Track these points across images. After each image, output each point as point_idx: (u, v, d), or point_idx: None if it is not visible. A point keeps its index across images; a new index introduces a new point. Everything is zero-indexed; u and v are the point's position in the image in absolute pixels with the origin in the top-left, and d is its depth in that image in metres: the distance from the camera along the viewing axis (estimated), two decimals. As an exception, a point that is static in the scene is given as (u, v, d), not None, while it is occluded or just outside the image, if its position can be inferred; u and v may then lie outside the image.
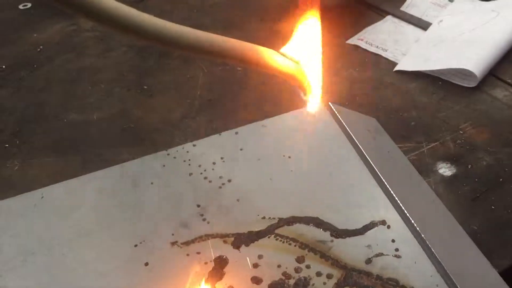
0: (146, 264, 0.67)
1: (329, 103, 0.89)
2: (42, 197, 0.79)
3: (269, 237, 0.68)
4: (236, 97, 1.05)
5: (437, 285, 0.59)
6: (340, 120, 0.85)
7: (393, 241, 0.64)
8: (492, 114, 0.94)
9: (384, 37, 1.22)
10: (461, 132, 0.90)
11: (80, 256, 0.69)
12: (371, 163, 0.75)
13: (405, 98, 1.00)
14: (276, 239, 0.67)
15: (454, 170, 0.82)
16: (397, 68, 1.09)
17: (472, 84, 1.00)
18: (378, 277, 0.60)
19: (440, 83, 1.03)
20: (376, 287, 0.59)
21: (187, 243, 0.69)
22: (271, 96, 1.03)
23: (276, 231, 0.69)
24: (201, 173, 0.80)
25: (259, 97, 1.04)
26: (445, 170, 0.82)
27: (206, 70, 1.13)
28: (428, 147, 0.87)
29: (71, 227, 0.74)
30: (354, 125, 0.84)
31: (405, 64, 1.09)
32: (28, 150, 0.95)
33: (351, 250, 0.64)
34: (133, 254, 0.68)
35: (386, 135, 0.88)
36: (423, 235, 0.64)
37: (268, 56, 0.45)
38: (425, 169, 0.83)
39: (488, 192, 0.78)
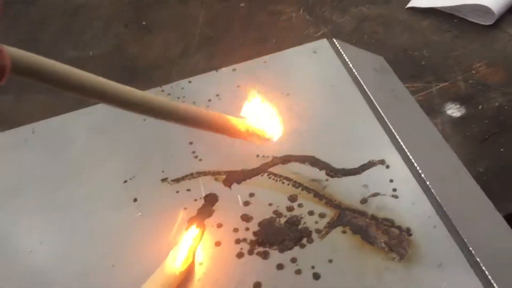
0: (135, 200, 0.65)
1: (333, 39, 0.84)
2: (33, 132, 0.77)
3: (262, 176, 0.65)
4: (237, 35, 1.00)
5: (434, 226, 0.55)
6: (344, 57, 0.79)
7: (391, 181, 0.61)
8: (509, 53, 0.88)
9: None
10: (473, 71, 0.84)
11: (71, 193, 0.67)
12: (374, 101, 0.71)
13: (417, 37, 0.93)
14: (269, 178, 0.65)
15: (464, 111, 0.77)
16: (409, 5, 1.02)
17: (489, 22, 0.93)
18: (373, 217, 0.57)
19: (455, 20, 0.96)
20: (370, 227, 0.57)
21: (177, 180, 0.66)
22: (274, 33, 0.98)
23: (270, 169, 0.66)
24: (195, 110, 0.76)
25: (262, 35, 0.99)
26: (454, 111, 0.77)
27: (207, 6, 1.07)
28: (437, 87, 0.81)
29: (62, 163, 0.72)
30: (358, 63, 0.79)
31: (418, 0, 1.02)
32: (21, 86, 0.93)
33: (347, 190, 0.61)
34: (122, 190, 0.66)
35: (393, 74, 0.83)
36: (423, 176, 0.60)
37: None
38: (432, 110, 0.79)
39: (498, 134, 0.74)
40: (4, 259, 0.61)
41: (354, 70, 0.77)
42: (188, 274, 0.56)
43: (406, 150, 0.63)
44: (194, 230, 0.59)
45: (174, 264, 0.54)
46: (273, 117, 0.52)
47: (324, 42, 0.83)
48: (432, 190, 0.58)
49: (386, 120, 0.68)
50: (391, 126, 0.67)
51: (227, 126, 0.43)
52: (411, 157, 0.62)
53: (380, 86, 0.75)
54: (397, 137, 0.65)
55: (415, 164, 0.61)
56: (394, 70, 0.84)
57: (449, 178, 0.62)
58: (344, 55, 0.79)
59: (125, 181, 0.67)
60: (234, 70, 0.82)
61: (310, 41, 0.86)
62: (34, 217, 0.65)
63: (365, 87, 0.74)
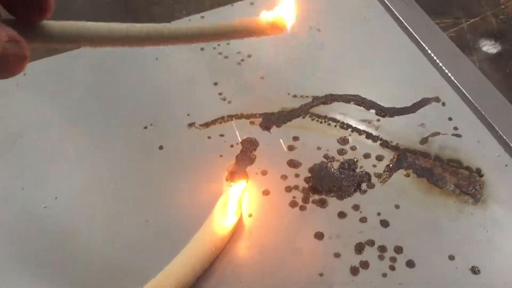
0: (161, 147, 0.57)
1: (359, -31, 0.76)
2: (25, 74, 0.66)
3: (303, 117, 0.58)
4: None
5: (506, 165, 0.51)
6: (374, -12, 0.72)
7: (450, 119, 0.56)
8: (535, -12, 0.84)
9: None
10: (502, 6, 0.79)
11: (80, 141, 0.59)
12: (416, 35, 0.65)
13: (438, -29, 0.87)
14: (312, 119, 0.58)
15: (499, 48, 0.73)
16: None
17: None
18: (437, 158, 0.53)
19: (476, -46, 0.90)
20: (435, 168, 0.52)
21: (206, 125, 0.59)
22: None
23: (311, 110, 0.59)
24: (215, 48, 0.68)
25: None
26: (489, 47, 0.73)
27: None
28: (468, 23, 0.76)
29: (64, 109, 0.62)
30: (388, -5, 0.72)
31: None
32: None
33: (402, 130, 0.56)
34: (143, 137, 0.58)
35: (420, 9, 0.77)
36: (483, 112, 0.55)
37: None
38: (466, 46, 0.74)
39: (538, 70, 0.70)
40: (18, 217, 0.52)
41: (387, 2, 0.70)
42: (236, 228, 0.49)
43: (460, 86, 0.58)
44: (237, 180, 0.52)
45: (222, 218, 0.48)
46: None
47: (350, -28, 0.75)
48: (497, 128, 0.54)
49: (433, 55, 0.62)
50: (438, 61, 0.61)
51: (251, 27, 0.38)
52: (467, 93, 0.57)
53: (414, 21, 0.69)
54: (447, 72, 0.60)
55: (473, 101, 0.57)
56: (420, 4, 0.78)
57: (506, 117, 0.57)
58: (373, -13, 0.72)
59: (145, 127, 0.59)
60: (252, 4, 0.73)
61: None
62: (41, 169, 0.56)
63: (402, 20, 0.67)
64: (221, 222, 0.48)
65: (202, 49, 0.67)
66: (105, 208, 0.52)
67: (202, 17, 0.72)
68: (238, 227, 0.49)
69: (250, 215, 0.50)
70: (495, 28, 0.75)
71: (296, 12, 0.44)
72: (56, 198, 0.53)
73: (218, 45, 0.68)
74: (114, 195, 0.53)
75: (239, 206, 0.50)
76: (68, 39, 0.28)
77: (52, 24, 0.27)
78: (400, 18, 0.68)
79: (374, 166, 0.53)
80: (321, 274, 0.46)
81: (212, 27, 0.35)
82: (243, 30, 0.37)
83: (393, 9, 0.69)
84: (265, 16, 0.41)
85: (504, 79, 0.68)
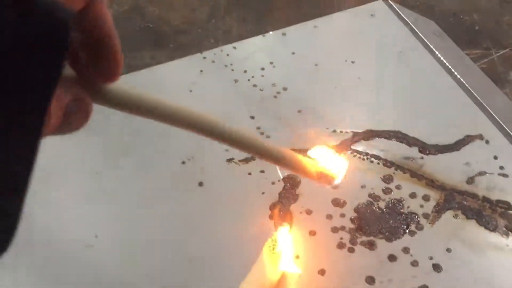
0: (200, 184, 0.56)
1: (389, 0, 0.77)
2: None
3: (345, 153, 0.58)
4: (266, -4, 0.91)
5: (557, 208, 0.51)
6: (406, 20, 0.72)
7: (495, 157, 0.55)
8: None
9: None
10: (531, 38, 0.80)
11: (118, 178, 0.58)
12: (452, 69, 0.65)
13: (463, 0, 0.87)
14: (354, 156, 0.57)
15: (532, 81, 0.73)
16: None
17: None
18: (485, 199, 0.52)
19: (500, -17, 0.91)
20: (484, 210, 0.51)
21: (246, 160, 0.58)
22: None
23: (352, 146, 0.58)
24: (249, 80, 0.67)
25: (293, -4, 0.90)
26: (522, 80, 0.73)
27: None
28: (498, 54, 0.76)
29: (103, 143, 0.61)
30: (421, 27, 0.72)
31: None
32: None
33: (447, 168, 0.55)
34: (182, 173, 0.57)
35: (450, 40, 0.77)
36: (528, 151, 0.55)
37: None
38: (498, 79, 0.73)
39: None
40: (59, 257, 0.51)
41: (421, 35, 0.70)
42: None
43: (501, 123, 0.58)
44: (283, 221, 0.52)
45: (271, 263, 0.47)
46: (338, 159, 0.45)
47: (380, 3, 0.75)
48: (544, 168, 0.53)
49: (472, 90, 0.62)
50: (478, 97, 0.61)
51: (299, 166, 0.38)
52: (509, 131, 0.57)
53: (449, 53, 0.69)
54: (488, 109, 0.60)
55: (517, 139, 0.56)
56: (448, 35, 0.78)
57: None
58: (406, 18, 0.72)
59: (183, 162, 0.58)
60: (284, 34, 0.73)
61: (351, 5, 0.78)
62: (79, 208, 0.55)
63: (438, 54, 0.67)
64: (269, 267, 0.47)
65: (236, 81, 0.67)
66: (146, 246, 0.51)
67: (234, 47, 0.72)
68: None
69: (297, 257, 0.49)
70: (526, 59, 0.75)
71: (346, 171, 0.43)
72: (96, 236, 0.52)
73: (253, 77, 0.67)
74: (155, 233, 0.52)
75: (287, 252, 0.49)
76: (127, 109, 0.27)
77: (115, 90, 0.27)
78: (435, 50, 0.68)
79: (421, 206, 0.52)
80: (375, 321, 0.45)
81: (270, 150, 0.36)
82: (292, 166, 0.38)
83: (427, 42, 0.69)
84: (319, 164, 0.41)
85: (539, 113, 0.68)
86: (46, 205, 0.55)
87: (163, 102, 0.29)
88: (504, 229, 0.49)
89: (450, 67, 0.65)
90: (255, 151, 0.35)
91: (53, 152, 0.60)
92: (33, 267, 0.50)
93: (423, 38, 0.69)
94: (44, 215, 0.54)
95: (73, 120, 0.24)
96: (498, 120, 0.58)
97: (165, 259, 0.50)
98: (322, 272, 0.48)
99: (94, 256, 0.51)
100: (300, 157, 0.39)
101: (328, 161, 0.43)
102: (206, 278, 0.49)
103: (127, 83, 0.67)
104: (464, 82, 0.63)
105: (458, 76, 0.64)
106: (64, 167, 0.59)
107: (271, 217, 0.53)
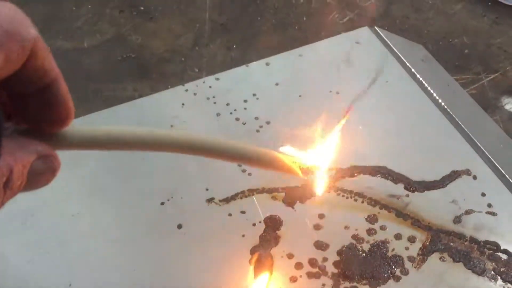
0: (179, 226, 0.54)
1: (375, 27, 0.75)
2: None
3: (329, 192, 0.56)
4: (252, 21, 0.89)
5: (547, 249, 0.49)
6: (392, 48, 0.71)
7: (483, 194, 0.54)
8: (553, 39, 0.82)
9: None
10: (522, 61, 0.78)
11: (94, 218, 0.56)
12: (439, 100, 0.63)
13: (452, 22, 0.86)
14: (338, 194, 0.56)
15: (523, 106, 0.71)
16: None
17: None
18: (473, 240, 0.50)
19: (490, 4, 0.89)
20: (472, 252, 0.49)
21: (226, 200, 0.56)
22: (294, 19, 0.88)
23: (337, 184, 0.57)
24: (231, 113, 0.66)
25: (280, 21, 0.89)
26: (512, 106, 0.71)
27: (213, -12, 0.95)
28: (488, 78, 0.75)
29: (79, 182, 0.60)
30: (407, 54, 0.71)
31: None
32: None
33: (433, 207, 0.53)
34: (161, 214, 0.56)
35: (439, 65, 0.76)
36: (517, 187, 0.53)
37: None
38: (488, 105, 0.72)
39: None
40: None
41: (408, 64, 0.68)
42: (264, 320, 0.46)
43: (490, 157, 0.56)
44: (263, 268, 0.50)
45: None
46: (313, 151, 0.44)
47: (366, 30, 0.74)
48: (533, 205, 0.52)
49: (459, 122, 0.60)
50: (466, 130, 0.59)
51: (276, 162, 0.37)
52: (498, 166, 0.55)
53: (436, 81, 0.67)
54: (476, 142, 0.58)
55: (506, 175, 0.54)
56: (437, 60, 0.76)
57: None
58: (392, 46, 0.71)
59: (162, 203, 0.57)
60: (267, 64, 0.72)
61: (337, 28, 0.77)
62: (55, 251, 0.53)
63: (424, 83, 0.65)
64: None
65: (218, 114, 0.66)
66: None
67: (217, 79, 0.70)
68: (266, 319, 0.47)
69: (278, 306, 0.48)
70: (516, 84, 0.74)
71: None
72: (70, 285, 0.51)
73: (235, 110, 0.66)
74: (132, 279, 0.51)
75: None
76: (88, 146, 0.27)
77: (73, 132, 0.26)
78: (421, 80, 0.66)
79: (407, 248, 0.50)
80: None
81: (241, 151, 0.34)
82: (271, 164, 0.37)
83: (414, 71, 0.67)
84: (296, 159, 0.40)
85: (530, 141, 0.66)
86: (21, 248, 0.54)
87: (123, 131, 0.28)
88: (493, 272, 0.47)
89: (436, 96, 0.63)
90: (232, 155, 0.34)
91: (28, 193, 0.59)
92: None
93: (410, 66, 0.68)
94: (19, 259, 0.53)
95: (40, 177, 0.24)
96: (486, 153, 0.56)
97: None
98: (303, 322, 0.46)
99: (67, 307, 0.49)
100: (278, 154, 0.38)
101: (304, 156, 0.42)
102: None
103: (109, 117, 0.65)
104: (451, 112, 0.61)
105: (445, 106, 0.62)
106: (39, 208, 0.57)
107: (251, 262, 0.51)
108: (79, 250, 0.53)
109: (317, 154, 0.45)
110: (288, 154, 0.40)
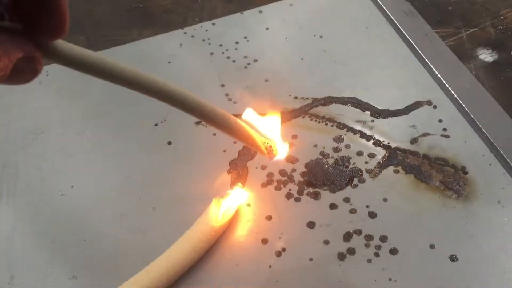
0: (169, 143, 0.62)
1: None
2: (47, 75, 0.72)
3: (303, 117, 0.62)
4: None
5: (490, 164, 0.55)
6: (377, 1, 0.76)
7: (440, 121, 0.59)
8: (536, 0, 0.87)
9: None
10: (502, 17, 0.83)
11: (97, 136, 0.64)
12: (412, 43, 0.69)
13: (440, -18, 0.91)
14: (311, 119, 0.62)
15: (496, 56, 0.76)
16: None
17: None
18: (425, 157, 0.56)
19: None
20: (423, 166, 0.55)
21: (212, 123, 0.63)
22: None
23: (310, 111, 0.63)
24: (223, 53, 0.72)
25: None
26: (486, 56, 0.76)
27: None
28: (467, 32, 0.80)
29: (82, 106, 0.68)
30: (389, 6, 0.76)
31: None
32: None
33: (394, 130, 0.59)
34: (154, 133, 0.63)
35: (422, 19, 0.81)
36: (472, 115, 0.59)
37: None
38: (464, 55, 0.77)
39: (532, 78, 0.73)
40: (36, 204, 0.57)
41: (388, 13, 0.74)
42: (236, 217, 0.53)
43: (451, 90, 0.62)
44: (237, 186, 0.56)
45: (218, 214, 0.51)
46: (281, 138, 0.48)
47: (353, -16, 0.79)
48: (483, 129, 0.57)
49: (428, 61, 0.66)
50: (433, 67, 0.65)
51: (248, 137, 0.41)
52: (457, 97, 0.61)
53: (414, 30, 0.72)
54: (441, 77, 0.64)
55: (463, 104, 0.60)
56: (422, 16, 0.81)
57: (494, 118, 0.60)
58: (378, 0, 0.76)
59: (156, 124, 0.64)
60: (260, 12, 0.78)
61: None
62: (60, 160, 0.61)
63: (401, 29, 0.71)
64: (215, 216, 0.51)
65: (211, 53, 0.72)
66: (116, 195, 0.57)
67: (213, 24, 0.77)
68: (237, 216, 0.54)
69: (248, 205, 0.54)
70: (493, 38, 0.78)
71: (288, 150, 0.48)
72: (72, 186, 0.58)
73: (227, 50, 0.73)
74: (125, 184, 0.58)
75: (236, 203, 0.53)
76: (72, 64, 0.29)
77: (64, 47, 0.28)
78: (400, 27, 0.71)
79: (366, 163, 0.57)
80: (311, 259, 0.49)
81: (218, 114, 0.39)
82: (241, 136, 0.41)
83: (393, 19, 0.73)
84: (268, 139, 0.45)
85: (499, 86, 0.72)
86: (31, 158, 0.62)
87: (110, 61, 0.30)
88: (439, 182, 0.53)
89: (410, 40, 0.69)
90: (203, 115, 0.37)
91: (40, 114, 0.67)
92: (14, 210, 0.57)
93: (390, 15, 0.73)
94: (29, 167, 0.61)
95: (22, 75, 0.25)
96: (448, 87, 0.62)
97: (131, 206, 0.56)
98: (269, 218, 0.53)
99: (68, 203, 0.57)
100: (250, 130, 0.43)
101: (274, 137, 0.47)
102: (166, 223, 0.54)
103: (113, 54, 0.73)
104: (421, 54, 0.67)
105: (419, 50, 0.67)
106: (49, 127, 0.65)
107: (229, 171, 0.58)
108: (81, 161, 0.61)
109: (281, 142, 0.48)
110: (260, 134, 0.45)
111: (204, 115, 0.38)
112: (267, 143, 0.46)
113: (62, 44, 0.27)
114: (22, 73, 0.25)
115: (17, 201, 0.57)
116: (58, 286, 0.51)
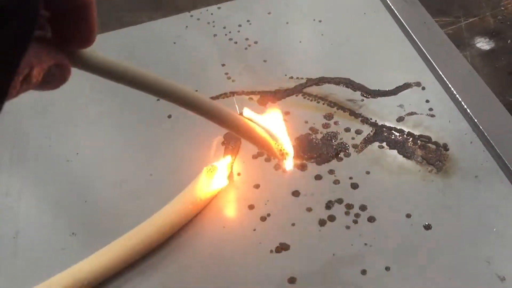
0: (169, 116, 0.65)
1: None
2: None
3: (296, 96, 0.65)
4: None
5: (471, 142, 0.57)
6: (376, -14, 0.79)
7: (427, 101, 0.62)
8: (538, -8, 0.88)
9: None
10: (502, 8, 0.84)
11: (102, 109, 0.68)
12: (409, 29, 0.71)
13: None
14: (304, 98, 0.65)
15: (492, 45, 0.78)
16: None
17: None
18: (410, 134, 0.58)
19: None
20: (407, 142, 0.58)
21: (211, 98, 0.67)
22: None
23: (304, 90, 0.66)
24: (226, 35, 0.76)
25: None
26: (483, 44, 0.78)
27: None
28: (466, 22, 0.81)
29: (91, 82, 0.72)
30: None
31: None
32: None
33: (382, 109, 0.62)
34: (156, 107, 0.67)
35: (422, 7, 0.83)
36: (458, 97, 0.61)
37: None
38: (462, 43, 0.79)
39: (527, 66, 0.74)
40: (43, 168, 0.61)
41: (388, 1, 0.76)
42: (227, 185, 0.57)
43: (441, 73, 0.64)
44: (231, 148, 0.60)
45: (208, 181, 0.55)
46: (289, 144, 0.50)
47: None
48: (468, 110, 0.59)
49: (421, 46, 0.68)
50: (425, 52, 0.67)
51: (259, 139, 0.43)
52: (446, 80, 0.63)
53: (412, 16, 0.74)
54: (432, 61, 0.66)
55: (451, 87, 0.62)
56: (422, 4, 0.83)
57: (481, 102, 0.62)
58: (376, -15, 0.79)
59: (158, 99, 0.68)
60: (265, -4, 0.81)
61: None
62: (67, 130, 0.65)
63: (398, 15, 0.73)
64: (205, 183, 0.55)
65: (215, 35, 0.76)
66: (117, 162, 0.61)
67: (219, 7, 0.81)
68: (228, 184, 0.57)
69: (239, 174, 0.58)
70: (492, 27, 0.80)
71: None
72: (77, 154, 0.63)
73: (230, 32, 0.76)
74: (126, 152, 0.62)
75: (229, 169, 0.57)
76: (99, 72, 0.31)
77: (91, 56, 0.30)
78: (397, 14, 0.74)
79: (353, 138, 0.59)
80: (293, 224, 0.52)
81: (235, 119, 0.40)
82: (254, 140, 0.42)
83: (391, 5, 0.75)
84: (280, 143, 0.46)
85: (493, 72, 0.73)
86: (40, 128, 0.66)
87: (131, 69, 0.32)
88: (420, 157, 0.56)
89: (406, 25, 0.71)
90: (222, 121, 0.40)
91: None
92: (23, 173, 0.61)
93: (389, 3, 0.76)
94: (38, 135, 0.65)
95: (52, 81, 0.27)
96: (438, 70, 0.64)
97: (130, 172, 0.60)
98: (257, 186, 0.56)
99: (73, 169, 0.61)
100: (263, 134, 0.44)
101: (282, 142, 0.49)
102: (163, 189, 0.58)
103: (123, 36, 0.77)
104: (415, 37, 0.69)
105: (414, 37, 0.70)
106: (57, 99, 0.69)
107: (223, 144, 0.61)
108: (87, 132, 0.65)
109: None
110: (272, 137, 0.46)
111: (227, 124, 0.41)
112: (279, 146, 0.47)
113: (89, 53, 0.29)
114: (52, 80, 0.27)
115: (26, 165, 0.62)
116: (59, 242, 0.55)
